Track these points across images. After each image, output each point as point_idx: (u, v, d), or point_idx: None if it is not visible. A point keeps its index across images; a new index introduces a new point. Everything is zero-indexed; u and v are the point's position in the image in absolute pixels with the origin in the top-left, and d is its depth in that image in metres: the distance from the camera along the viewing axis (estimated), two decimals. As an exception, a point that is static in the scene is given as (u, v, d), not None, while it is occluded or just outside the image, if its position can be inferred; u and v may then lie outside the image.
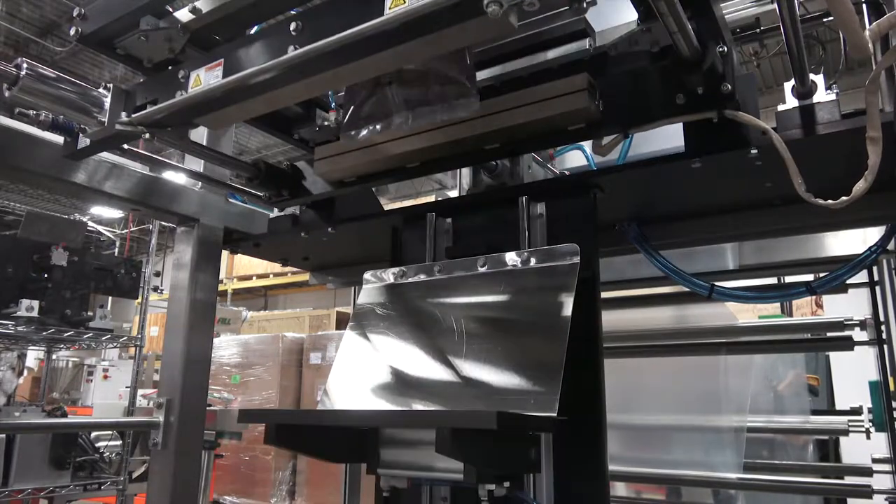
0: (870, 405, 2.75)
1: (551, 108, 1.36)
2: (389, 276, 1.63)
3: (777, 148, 1.20)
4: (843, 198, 1.12)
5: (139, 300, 5.21)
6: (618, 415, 2.55)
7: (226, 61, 1.26)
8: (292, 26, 1.15)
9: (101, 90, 1.42)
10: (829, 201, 1.16)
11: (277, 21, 1.25)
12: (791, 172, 1.19)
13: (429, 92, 1.27)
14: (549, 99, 1.36)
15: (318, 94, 1.42)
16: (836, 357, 4.85)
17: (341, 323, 8.51)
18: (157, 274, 5.62)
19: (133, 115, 1.36)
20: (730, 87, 1.21)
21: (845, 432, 2.85)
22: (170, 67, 1.38)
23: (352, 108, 1.39)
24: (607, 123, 1.38)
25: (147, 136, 1.39)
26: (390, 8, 1.02)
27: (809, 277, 1.81)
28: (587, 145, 1.91)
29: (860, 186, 1.08)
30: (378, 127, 1.35)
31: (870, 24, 1.27)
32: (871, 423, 2.73)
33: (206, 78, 1.27)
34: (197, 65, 1.30)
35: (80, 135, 1.50)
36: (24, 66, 1.31)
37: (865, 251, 1.52)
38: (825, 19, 2.17)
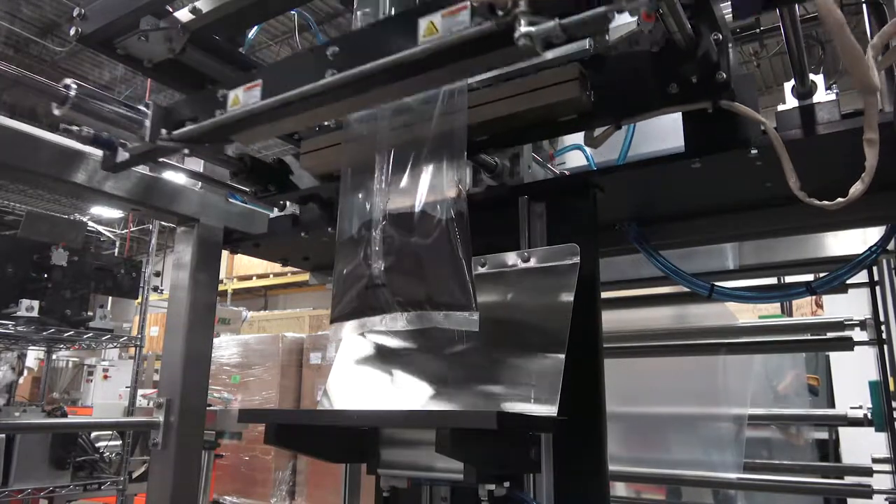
0: (870, 405, 2.75)
1: (541, 99, 1.32)
2: (389, 276, 1.63)
3: (773, 141, 1.19)
4: (840, 199, 1.12)
5: (139, 300, 5.21)
6: (618, 415, 2.55)
7: (264, 82, 1.31)
8: (329, 51, 1.20)
9: (142, 107, 1.48)
10: (825, 202, 1.15)
11: (314, 46, 1.30)
12: (785, 168, 1.17)
13: (425, 299, 1.24)
14: (539, 89, 1.33)
15: (349, 113, 1.41)
16: (836, 357, 4.85)
17: (341, 323, 8.49)
18: (157, 274, 5.62)
19: (174, 133, 1.41)
20: (725, 75, 1.17)
21: (844, 418, 2.83)
22: (208, 87, 1.46)
23: (343, 295, 1.35)
24: (599, 114, 1.35)
25: (186, 151, 1.46)
26: (423, 37, 1.07)
27: (809, 277, 1.82)
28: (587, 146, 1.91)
29: (857, 188, 1.08)
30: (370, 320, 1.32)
31: (870, 24, 1.27)
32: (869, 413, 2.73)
33: (244, 98, 1.32)
34: (235, 84, 1.35)
35: (120, 149, 1.57)
36: (73, 86, 1.38)
37: (865, 251, 1.52)
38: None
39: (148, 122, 1.47)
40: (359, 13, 1.39)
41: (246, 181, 1.83)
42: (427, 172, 1.29)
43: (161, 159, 1.85)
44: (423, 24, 1.08)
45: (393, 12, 1.36)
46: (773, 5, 1.14)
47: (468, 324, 1.17)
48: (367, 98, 1.23)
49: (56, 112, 1.38)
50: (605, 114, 1.34)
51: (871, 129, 1.04)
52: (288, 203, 1.99)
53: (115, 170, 1.63)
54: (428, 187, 1.27)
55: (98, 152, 1.65)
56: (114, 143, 1.57)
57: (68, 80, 1.39)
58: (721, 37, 1.18)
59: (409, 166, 1.32)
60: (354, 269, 1.33)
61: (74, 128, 1.49)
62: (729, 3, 1.15)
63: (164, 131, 1.43)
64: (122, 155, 1.57)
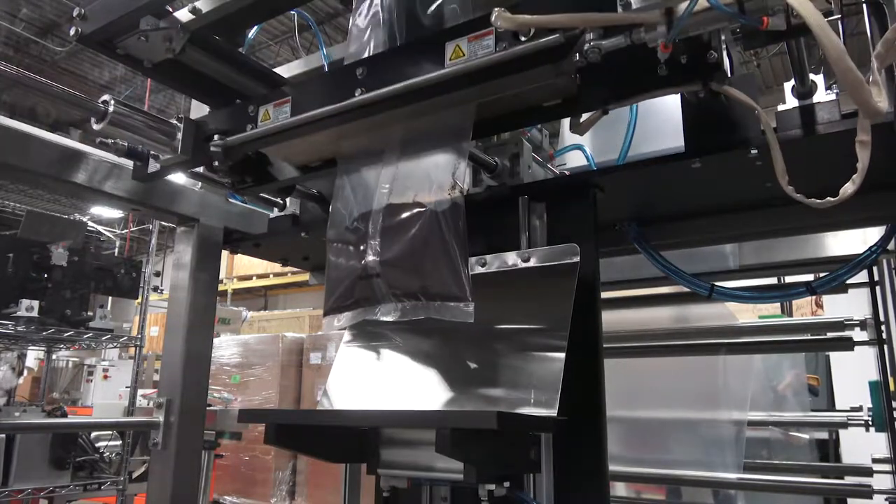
0: (870, 405, 2.75)
1: (525, 82, 1.23)
2: (389, 276, 1.63)
3: (765, 130, 1.17)
4: (829, 198, 1.10)
5: (139, 300, 5.22)
6: (618, 415, 2.55)
7: (293, 99, 1.38)
8: (359, 71, 1.28)
9: (174, 121, 1.58)
10: (813, 199, 1.12)
11: (344, 65, 1.39)
12: (775, 161, 1.13)
13: (420, 291, 1.24)
14: (521, 71, 1.21)
15: (373, 129, 1.40)
16: (836, 357, 4.86)
17: (341, 323, 8.49)
18: (157, 274, 5.63)
19: (209, 145, 1.49)
20: (716, 55, 1.10)
21: (844, 425, 2.84)
22: (237, 101, 1.54)
23: (337, 287, 1.35)
24: (585, 99, 1.27)
25: (216, 164, 1.53)
26: (451, 59, 1.17)
27: (809, 277, 1.82)
28: (587, 145, 1.91)
29: (847, 189, 1.07)
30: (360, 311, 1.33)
31: (869, 24, 1.27)
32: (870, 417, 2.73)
33: (274, 114, 1.40)
34: (264, 101, 1.44)
35: (151, 160, 1.67)
36: (112, 102, 1.46)
37: (865, 251, 1.52)
38: (825, 19, 2.17)
39: (180, 135, 1.57)
40: (359, 16, 1.40)
41: (224, 173, 1.81)
42: (424, 163, 1.29)
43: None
44: (451, 47, 1.18)
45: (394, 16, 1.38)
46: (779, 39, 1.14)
47: (463, 315, 1.17)
48: (392, 116, 1.29)
49: (95, 127, 1.46)
50: (591, 99, 1.26)
51: (863, 132, 1.04)
52: (288, 202, 1.99)
53: (146, 179, 1.73)
54: (424, 178, 1.28)
55: (103, 154, 1.66)
56: (146, 155, 1.67)
57: (107, 97, 1.47)
58: None
59: (407, 157, 1.33)
60: (348, 260, 1.33)
61: (110, 141, 1.56)
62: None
63: (213, 147, 1.50)
64: (153, 166, 1.67)
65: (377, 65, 1.29)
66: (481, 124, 1.40)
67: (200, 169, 2.05)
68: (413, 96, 1.22)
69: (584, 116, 1.36)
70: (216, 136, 1.49)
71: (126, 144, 1.60)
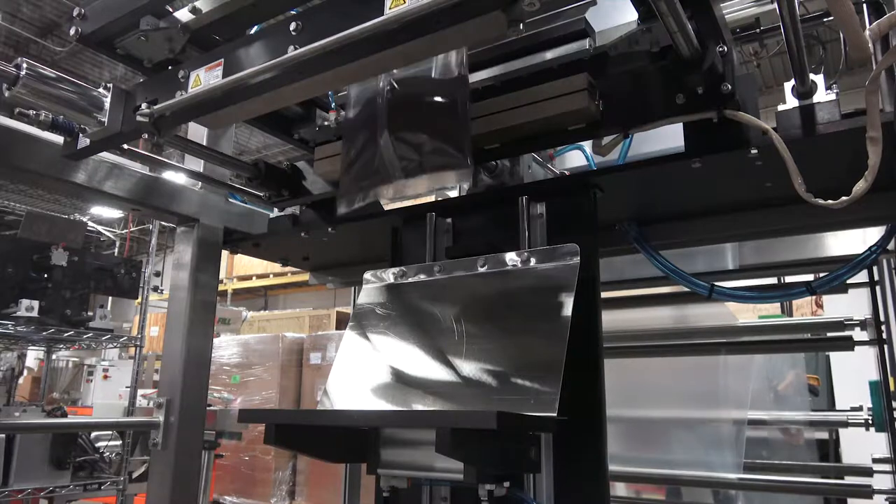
0: (870, 405, 2.75)
1: (551, 109, 1.35)
2: (389, 276, 1.63)
3: (777, 148, 1.20)
4: (844, 198, 1.12)
5: (139, 300, 5.21)
6: (618, 415, 2.55)
7: (225, 61, 1.26)
8: (292, 26, 1.16)
9: (100, 90, 1.43)
10: (829, 201, 1.16)
11: (277, 21, 1.25)
12: (791, 172, 1.19)
13: (423, 159, 1.26)
14: (548, 99, 1.36)
15: (319, 94, 1.41)
16: (836, 357, 4.85)
17: (341, 323, 8.50)
18: (157, 274, 5.62)
19: (136, 114, 1.35)
20: (730, 86, 1.21)
21: (844, 423, 2.84)
22: (169, 67, 1.38)
23: (346, 168, 1.37)
24: (607, 123, 1.38)
25: (146, 136, 1.38)
26: (390, 8, 1.02)
27: (809, 277, 1.81)
28: (587, 145, 1.91)
29: (860, 186, 1.08)
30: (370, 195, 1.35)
31: (870, 24, 1.27)
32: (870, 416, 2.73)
33: (205, 78, 1.27)
34: (197, 65, 1.31)
35: (81, 135, 1.49)
36: (24, 65, 1.32)
37: (865, 251, 1.52)
38: (825, 19, 2.17)
39: (107, 106, 1.41)
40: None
41: (261, 186, 1.84)
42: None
43: (160, 159, 1.85)
44: None
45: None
46: None
47: (462, 178, 1.19)
48: (336, 76, 1.18)
49: (6, 94, 1.32)
50: (613, 123, 1.37)
51: (873, 128, 1.04)
52: (288, 203, 1.99)
53: (75, 157, 1.57)
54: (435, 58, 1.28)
55: (107, 155, 1.64)
56: (74, 129, 1.49)
57: (19, 59, 1.32)
58: (726, 49, 1.20)
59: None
60: (361, 146, 1.35)
61: (31, 112, 1.42)
62: (729, 2, 1.16)
63: (138, 116, 1.36)
64: (83, 141, 1.50)
65: (312, 18, 1.16)
66: (508, 146, 1.49)
67: (201, 168, 2.06)
68: (352, 51, 1.10)
69: (607, 139, 1.46)
70: (144, 106, 1.35)
71: (50, 116, 1.44)
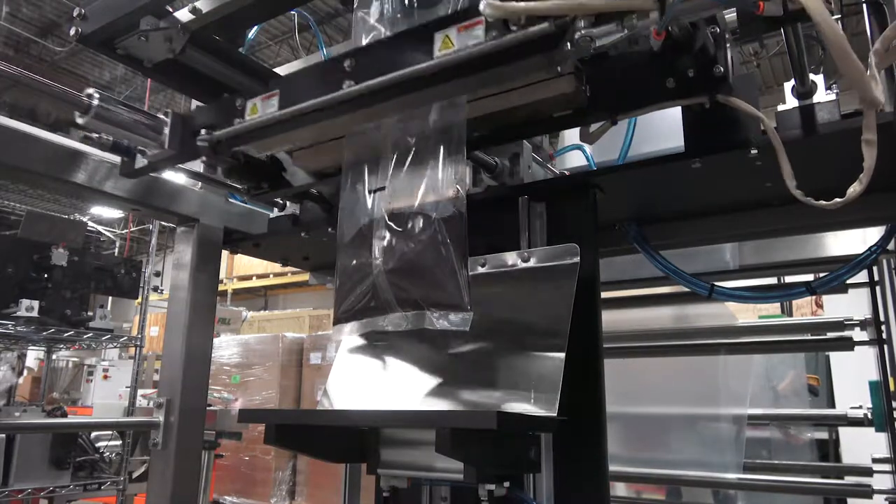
0: (870, 405, 2.75)
1: (536, 94, 1.27)
2: (389, 276, 1.63)
3: (770, 139, 1.18)
4: (837, 199, 1.11)
5: (139, 300, 5.22)
6: (618, 415, 2.55)
7: (281, 92, 1.36)
8: (346, 63, 1.26)
9: (161, 115, 1.56)
10: (822, 202, 1.14)
11: (330, 57, 1.38)
12: (782, 166, 1.16)
13: (421, 298, 1.24)
14: (534, 84, 1.27)
15: (365, 123, 1.41)
16: (836, 357, 4.85)
17: (341, 323, 8.48)
18: (157, 274, 5.62)
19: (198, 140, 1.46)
20: (722, 69, 1.16)
21: (844, 419, 2.84)
22: (225, 95, 1.50)
23: (347, 296, 1.35)
24: (595, 110, 1.31)
25: (205, 159, 1.51)
26: (439, 51, 1.14)
27: (809, 277, 1.82)
28: (587, 145, 1.91)
29: (855, 189, 1.08)
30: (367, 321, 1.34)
31: (869, 24, 1.27)
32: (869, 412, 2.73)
33: (262, 107, 1.38)
34: (251, 94, 1.42)
35: (139, 155, 1.64)
36: (96, 96, 1.43)
37: (865, 251, 1.52)
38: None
39: (167, 130, 1.54)
40: (359, 14, 1.39)
41: (240, 178, 1.82)
42: (426, 171, 1.29)
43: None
44: (439, 38, 1.14)
45: (394, 13, 1.37)
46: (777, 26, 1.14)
47: (461, 323, 1.17)
48: (382, 109, 1.27)
49: (79, 121, 1.43)
50: (600, 109, 1.31)
51: (869, 131, 1.04)
52: (288, 203, 1.99)
53: (133, 175, 1.70)
54: (426, 186, 1.27)
55: (102, 153, 1.65)
56: (132, 150, 1.63)
57: (90, 90, 1.43)
58: (718, 30, 1.16)
59: (408, 164, 1.32)
60: (357, 269, 1.33)
61: (94, 135, 1.53)
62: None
63: (200, 140, 1.47)
64: (140, 161, 1.63)
65: (365, 56, 1.25)
66: (494, 134, 1.45)
67: (200, 169, 2.06)
68: (402, 88, 1.19)
69: (594, 127, 1.40)
70: (203, 131, 1.46)
71: (111, 139, 1.57)
